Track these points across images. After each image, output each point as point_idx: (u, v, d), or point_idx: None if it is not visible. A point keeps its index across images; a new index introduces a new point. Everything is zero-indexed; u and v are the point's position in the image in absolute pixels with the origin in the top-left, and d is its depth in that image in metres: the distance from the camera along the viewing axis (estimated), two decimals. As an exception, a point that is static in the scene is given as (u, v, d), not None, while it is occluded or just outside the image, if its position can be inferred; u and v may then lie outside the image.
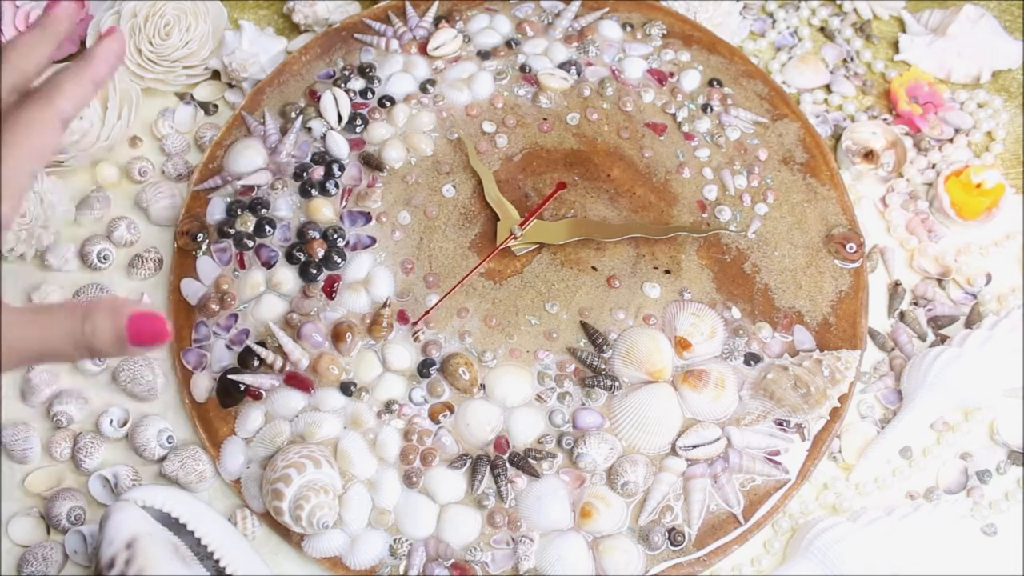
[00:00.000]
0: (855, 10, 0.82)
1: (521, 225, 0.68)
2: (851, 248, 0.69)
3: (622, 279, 0.68)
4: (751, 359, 0.66)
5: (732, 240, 0.70)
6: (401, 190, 0.71)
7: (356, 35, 0.77)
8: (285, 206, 0.70)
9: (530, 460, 0.62)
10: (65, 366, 0.67)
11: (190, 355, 0.66)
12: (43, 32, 0.48)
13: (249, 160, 0.72)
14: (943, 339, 0.69)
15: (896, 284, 0.71)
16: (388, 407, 0.64)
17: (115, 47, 0.49)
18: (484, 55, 0.76)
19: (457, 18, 0.78)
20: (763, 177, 0.72)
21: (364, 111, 0.73)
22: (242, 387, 0.65)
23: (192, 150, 0.75)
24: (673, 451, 0.63)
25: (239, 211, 0.70)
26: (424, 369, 0.65)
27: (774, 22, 0.81)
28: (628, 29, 0.78)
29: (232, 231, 0.69)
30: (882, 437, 0.66)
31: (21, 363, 0.43)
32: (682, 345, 0.65)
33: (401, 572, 0.61)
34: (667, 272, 0.68)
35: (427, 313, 0.66)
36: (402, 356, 0.65)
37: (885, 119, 0.77)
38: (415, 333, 0.65)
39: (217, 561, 0.57)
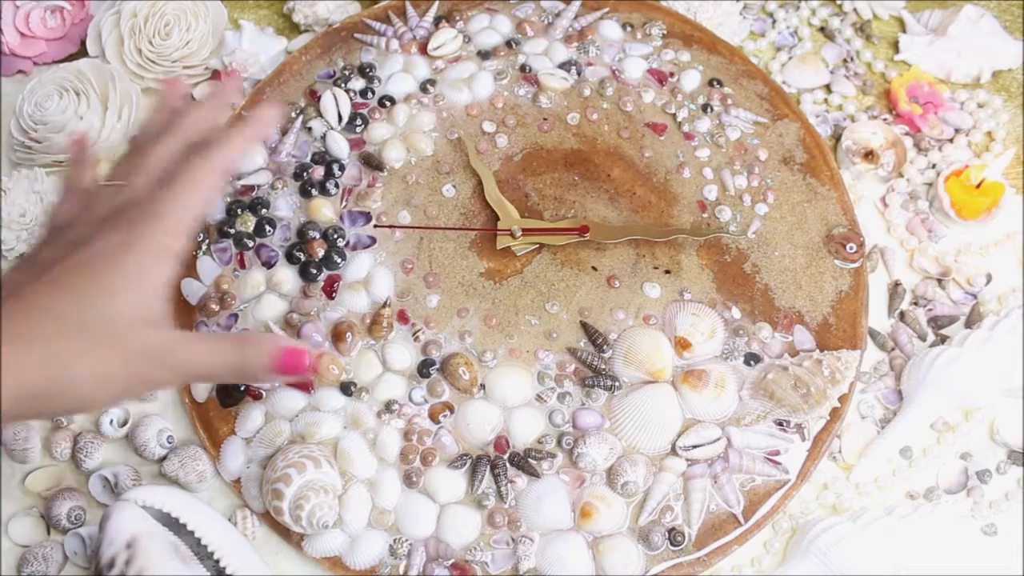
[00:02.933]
0: (855, 10, 0.82)
1: (524, 233, 0.68)
2: (851, 248, 0.69)
3: (622, 279, 0.68)
4: (751, 359, 0.66)
5: (732, 240, 0.70)
6: (401, 190, 0.71)
7: (356, 35, 0.77)
8: (285, 206, 0.70)
9: (530, 460, 0.62)
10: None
11: (190, 355, 0.66)
12: (214, 101, 0.56)
13: (249, 160, 0.72)
14: (943, 339, 0.69)
15: (896, 284, 0.71)
16: (388, 407, 0.64)
17: (272, 114, 0.55)
18: (484, 55, 0.76)
19: (457, 18, 0.78)
20: (763, 177, 0.72)
21: (364, 111, 0.73)
22: (242, 387, 0.65)
23: (192, 150, 0.75)
24: (673, 451, 0.63)
25: (239, 211, 0.70)
26: (424, 369, 0.65)
27: (774, 22, 0.81)
28: (628, 29, 0.78)
29: (232, 231, 0.69)
30: (882, 437, 0.66)
31: (188, 380, 0.50)
32: (682, 345, 0.65)
33: (401, 572, 0.61)
34: (667, 272, 0.68)
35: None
36: (402, 356, 0.65)
37: (885, 119, 0.77)
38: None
39: (217, 561, 0.57)
